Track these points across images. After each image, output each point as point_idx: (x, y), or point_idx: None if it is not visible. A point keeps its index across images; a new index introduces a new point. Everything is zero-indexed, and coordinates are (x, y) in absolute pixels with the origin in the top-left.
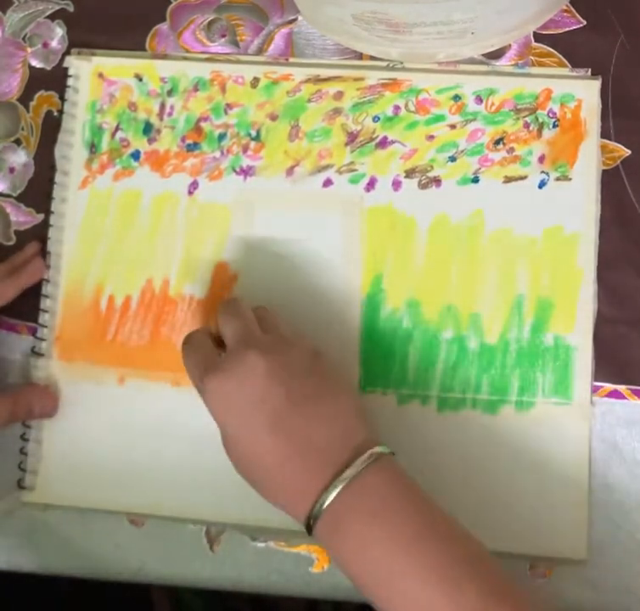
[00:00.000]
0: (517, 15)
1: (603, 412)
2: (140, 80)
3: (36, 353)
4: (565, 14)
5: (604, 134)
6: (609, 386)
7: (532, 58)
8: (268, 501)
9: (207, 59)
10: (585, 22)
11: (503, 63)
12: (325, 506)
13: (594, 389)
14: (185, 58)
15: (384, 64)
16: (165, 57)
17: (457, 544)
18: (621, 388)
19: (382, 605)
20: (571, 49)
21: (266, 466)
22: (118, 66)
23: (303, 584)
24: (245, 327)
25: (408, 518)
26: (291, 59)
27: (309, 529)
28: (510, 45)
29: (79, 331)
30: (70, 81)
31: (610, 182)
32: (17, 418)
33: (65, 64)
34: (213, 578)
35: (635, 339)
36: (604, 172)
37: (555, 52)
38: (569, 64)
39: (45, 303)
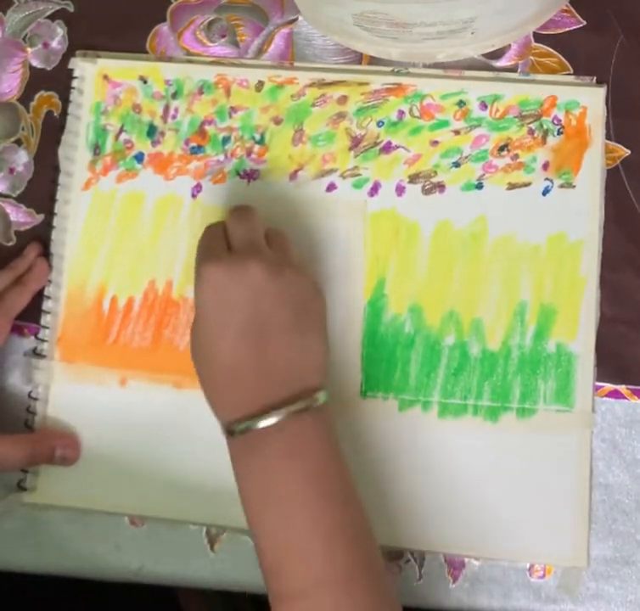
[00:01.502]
0: (517, 15)
1: (603, 411)
2: (145, 82)
3: (37, 354)
4: (565, 14)
5: (605, 135)
6: (609, 386)
7: (532, 58)
8: (204, 391)
9: (212, 62)
10: (585, 22)
11: (503, 63)
12: (253, 428)
13: (594, 391)
14: (190, 61)
15: (388, 68)
16: (170, 59)
17: (348, 512)
18: (621, 388)
19: (255, 530)
20: (571, 49)
21: (221, 362)
22: (123, 68)
23: None
24: (253, 236)
25: (318, 475)
26: (296, 63)
27: (228, 434)
28: (510, 45)
29: (81, 332)
30: (74, 83)
31: (610, 182)
32: (37, 461)
33: (70, 66)
34: (213, 578)
35: (635, 338)
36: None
37: (555, 52)
38: (569, 65)
39: (47, 304)
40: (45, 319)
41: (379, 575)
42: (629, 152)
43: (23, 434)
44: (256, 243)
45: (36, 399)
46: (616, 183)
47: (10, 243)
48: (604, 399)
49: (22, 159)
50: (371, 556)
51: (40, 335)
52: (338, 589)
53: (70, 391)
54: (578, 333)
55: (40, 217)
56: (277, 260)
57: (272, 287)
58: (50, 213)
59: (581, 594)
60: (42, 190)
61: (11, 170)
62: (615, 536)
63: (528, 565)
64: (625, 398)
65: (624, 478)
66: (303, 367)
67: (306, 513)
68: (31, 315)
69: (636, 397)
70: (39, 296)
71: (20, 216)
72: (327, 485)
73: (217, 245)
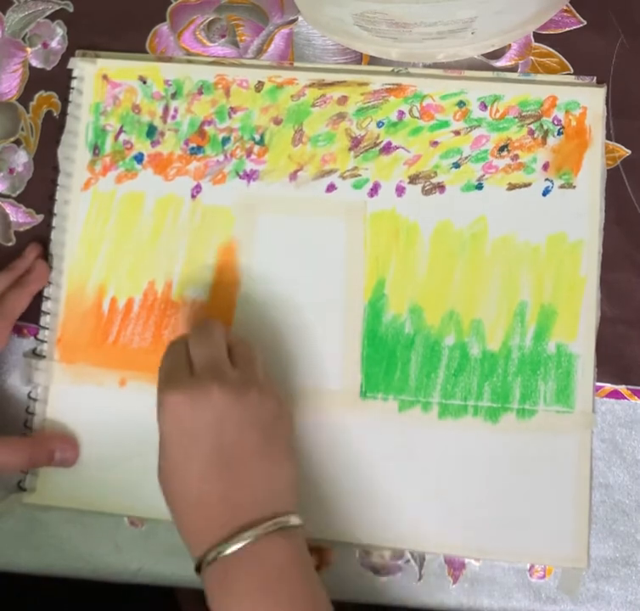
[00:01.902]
0: (517, 15)
1: (603, 412)
2: (144, 82)
3: (37, 355)
4: (565, 14)
5: (605, 136)
6: (609, 386)
7: (532, 58)
8: (175, 524)
9: (212, 63)
10: (585, 22)
11: (503, 63)
12: (219, 556)
13: (594, 390)
14: (189, 62)
15: (388, 69)
16: (169, 60)
17: None
18: (621, 388)
19: None
20: (571, 49)
21: (188, 495)
22: (122, 68)
23: None
24: (214, 357)
25: (294, 602)
26: (295, 63)
27: (198, 569)
28: (510, 45)
29: (81, 333)
30: (74, 83)
31: (611, 182)
32: (36, 464)
33: (70, 66)
34: None
35: (635, 338)
36: None
37: (555, 52)
38: (569, 65)
39: (47, 305)
40: (44, 320)
41: None
42: (629, 152)
43: (21, 437)
44: (218, 364)
45: (35, 399)
46: (616, 183)
47: (10, 244)
48: (604, 399)
49: (22, 159)
50: None
51: (39, 336)
52: None
53: (69, 392)
54: (578, 333)
55: (39, 217)
56: (241, 380)
57: (236, 411)
58: (50, 213)
59: (581, 594)
60: (41, 190)
61: (11, 171)
62: (616, 537)
63: (528, 566)
64: (625, 398)
65: (624, 478)
66: (273, 493)
67: None
68: (31, 315)
69: (636, 397)
70: (39, 297)
71: (20, 217)
72: None
73: (178, 369)
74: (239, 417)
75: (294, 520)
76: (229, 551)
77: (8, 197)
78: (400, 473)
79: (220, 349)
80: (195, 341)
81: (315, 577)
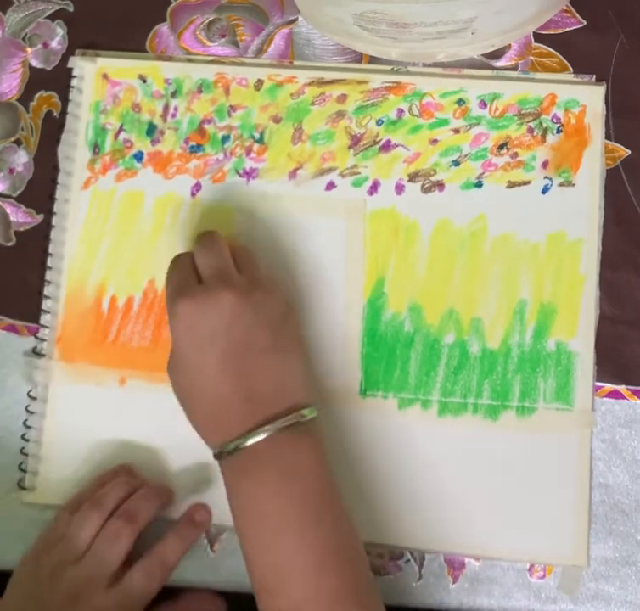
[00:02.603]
0: (517, 15)
1: (603, 412)
2: (144, 81)
3: (37, 353)
4: (565, 14)
5: (604, 134)
6: (609, 386)
7: (532, 58)
8: (192, 425)
9: (211, 61)
10: (585, 22)
11: (503, 63)
12: (240, 447)
13: (594, 390)
14: (189, 60)
15: (388, 67)
16: (169, 58)
17: (339, 534)
18: (621, 388)
19: (247, 548)
20: (571, 49)
21: (205, 396)
22: (122, 67)
23: None
24: (220, 264)
25: (309, 497)
26: (295, 62)
27: (217, 457)
28: (510, 45)
29: (80, 332)
30: (74, 82)
31: (610, 182)
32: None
33: (69, 65)
34: (213, 578)
35: (635, 338)
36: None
37: (555, 52)
38: (569, 65)
39: (46, 303)
40: (44, 318)
41: (369, 594)
42: (629, 152)
43: (178, 525)
44: (224, 270)
45: (35, 398)
46: (616, 183)
47: (10, 244)
48: (604, 399)
49: (22, 159)
50: (361, 575)
51: (39, 335)
52: (331, 604)
53: (69, 391)
54: (578, 331)
55: (40, 217)
56: (246, 283)
57: (245, 312)
58: (50, 213)
59: (580, 594)
60: (41, 190)
61: (11, 171)
62: (615, 536)
63: (528, 565)
64: (625, 398)
65: (624, 478)
66: (287, 386)
67: (297, 535)
68: (31, 314)
69: (636, 397)
70: (38, 295)
71: (20, 216)
72: (318, 507)
73: (187, 278)
74: (248, 317)
75: (310, 412)
76: (249, 442)
77: (8, 197)
78: (399, 470)
79: (224, 257)
80: (200, 252)
81: (330, 472)
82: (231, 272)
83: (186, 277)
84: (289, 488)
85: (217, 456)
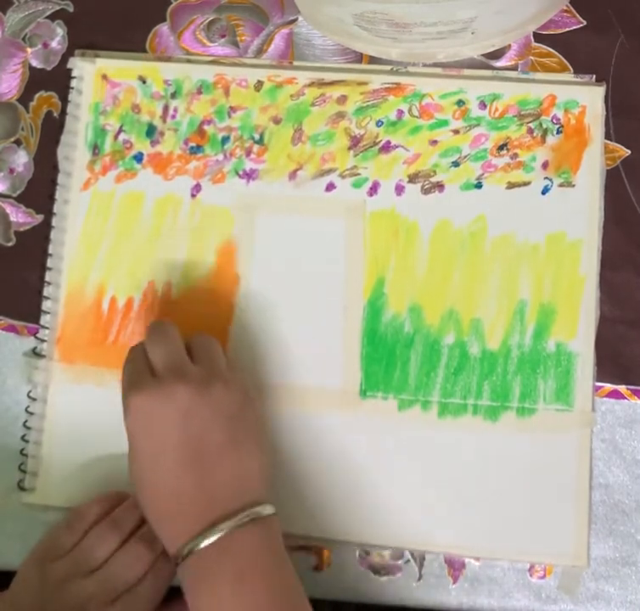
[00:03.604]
0: (517, 15)
1: (603, 412)
2: (144, 82)
3: (37, 354)
4: (565, 14)
5: (604, 134)
6: (608, 386)
7: (532, 58)
8: (150, 522)
9: (211, 62)
10: (585, 22)
11: (503, 63)
12: (194, 550)
13: (594, 391)
14: (189, 61)
15: (388, 68)
16: (169, 59)
17: None
18: (621, 388)
19: None
20: (571, 49)
21: (160, 493)
22: (122, 68)
23: (303, 584)
24: (173, 356)
25: (268, 598)
26: (295, 63)
27: (176, 561)
28: (510, 45)
29: (80, 332)
30: (73, 83)
31: (610, 182)
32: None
33: (69, 65)
34: None
35: (635, 338)
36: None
37: (555, 52)
38: (569, 65)
39: (46, 304)
40: (44, 319)
41: None
42: (629, 152)
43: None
44: (178, 362)
45: (34, 399)
46: (616, 183)
47: (10, 244)
48: (604, 399)
49: (22, 159)
50: None
51: (39, 335)
52: None
53: (69, 391)
54: (578, 332)
55: (40, 217)
56: (203, 375)
57: (200, 407)
58: (50, 213)
59: (581, 594)
60: (41, 190)
61: (11, 171)
62: (615, 536)
63: (528, 566)
64: (625, 398)
65: (624, 478)
66: (243, 483)
67: None
68: (31, 315)
69: (636, 397)
70: (38, 296)
71: (20, 217)
72: (276, 605)
73: (140, 372)
74: (204, 411)
75: (267, 510)
76: (203, 545)
77: (8, 197)
78: (399, 471)
79: (177, 347)
80: (151, 343)
81: (289, 566)
82: (184, 364)
83: (139, 369)
84: (245, 592)
85: (175, 560)
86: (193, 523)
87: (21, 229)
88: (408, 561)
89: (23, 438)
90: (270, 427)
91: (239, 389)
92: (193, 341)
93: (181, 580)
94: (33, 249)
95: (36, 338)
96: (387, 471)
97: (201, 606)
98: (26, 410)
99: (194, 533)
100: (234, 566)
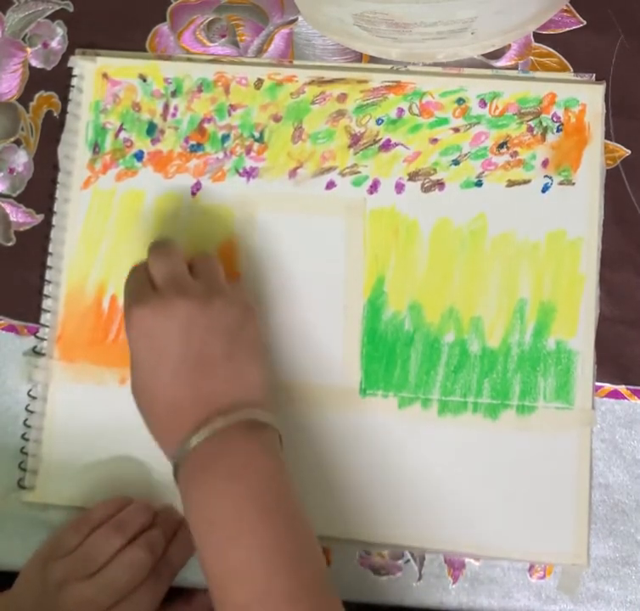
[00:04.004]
0: (517, 15)
1: (603, 412)
2: (144, 80)
3: (37, 353)
4: (565, 14)
5: (604, 134)
6: (608, 386)
7: (532, 58)
8: (149, 431)
9: (211, 60)
10: (585, 22)
11: (503, 63)
12: (189, 448)
13: (594, 390)
14: (189, 60)
15: (388, 66)
16: (169, 58)
17: (291, 535)
18: (621, 388)
19: (201, 555)
20: (571, 49)
21: (160, 401)
22: (122, 67)
23: None
24: (174, 271)
25: (260, 496)
26: (295, 61)
27: (174, 469)
28: (510, 45)
29: (80, 331)
30: (74, 81)
31: (610, 182)
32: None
33: (69, 64)
34: None
35: (635, 338)
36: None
37: (555, 52)
38: (569, 65)
39: (47, 303)
40: (44, 317)
41: (321, 594)
42: (629, 152)
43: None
44: (179, 278)
45: (34, 398)
46: (616, 183)
47: (10, 244)
48: (604, 399)
49: (21, 159)
50: (315, 572)
51: (39, 334)
52: (280, 605)
53: (69, 390)
54: (578, 330)
55: (40, 217)
56: (204, 291)
57: (200, 320)
58: (50, 213)
59: (580, 594)
60: (41, 190)
61: (11, 171)
62: (615, 536)
63: (528, 566)
64: (625, 398)
65: (624, 478)
66: (240, 391)
67: (249, 534)
68: (30, 314)
69: (636, 397)
70: (38, 295)
71: (20, 217)
72: (270, 505)
73: (142, 287)
74: (204, 324)
75: (265, 416)
76: (196, 441)
77: (8, 197)
78: (399, 469)
79: (179, 263)
80: (154, 260)
81: (283, 472)
82: (185, 279)
83: (140, 285)
84: (238, 488)
85: (174, 467)
86: (188, 423)
87: (21, 229)
88: (408, 561)
89: (23, 436)
90: (270, 342)
91: (239, 303)
92: (195, 259)
93: (179, 487)
94: (33, 249)
95: (37, 337)
96: (387, 469)
97: (193, 508)
98: (26, 408)
99: (189, 432)
100: (229, 466)
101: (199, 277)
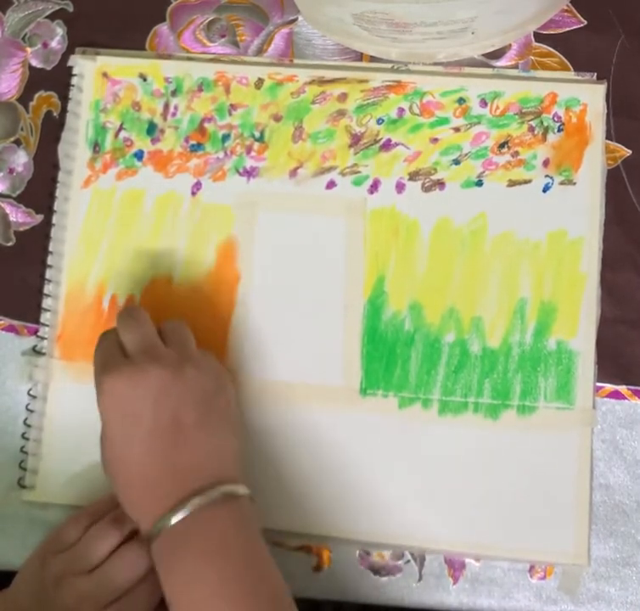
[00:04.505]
0: (517, 15)
1: (603, 412)
2: (144, 80)
3: (37, 352)
4: (566, 13)
5: (605, 134)
6: (609, 386)
7: (533, 58)
8: (121, 503)
9: (211, 60)
10: (585, 22)
11: (504, 63)
12: (164, 527)
13: (595, 390)
14: (189, 59)
15: (388, 65)
16: (169, 57)
17: (273, 607)
18: (621, 388)
19: None
20: (572, 49)
21: (131, 472)
22: (122, 66)
23: (303, 584)
24: (145, 337)
25: (236, 576)
26: (295, 61)
27: (148, 540)
28: (510, 45)
29: (81, 330)
30: (74, 80)
31: (611, 182)
32: None
33: (70, 63)
34: None
35: (635, 339)
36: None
37: (556, 52)
38: (569, 65)
39: (47, 302)
40: (45, 317)
41: None
42: (630, 152)
43: None
44: (151, 345)
45: (34, 397)
46: (617, 183)
47: (10, 244)
48: (605, 400)
49: (21, 159)
50: None
51: (40, 333)
52: None
53: (69, 389)
54: (578, 330)
55: (39, 217)
56: (176, 359)
57: (174, 388)
58: (50, 213)
59: (581, 595)
60: (41, 190)
61: (11, 171)
62: (616, 537)
63: (528, 566)
64: (625, 399)
65: (624, 479)
66: (215, 462)
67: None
68: (30, 315)
69: (636, 398)
70: (38, 294)
71: (20, 217)
72: (248, 585)
73: (113, 354)
74: (177, 392)
75: (240, 490)
76: (174, 521)
77: (8, 197)
78: (400, 470)
79: (149, 330)
80: (123, 327)
81: (261, 546)
82: (157, 347)
83: (111, 352)
84: (214, 568)
85: (147, 539)
86: (164, 500)
87: (21, 229)
88: (408, 561)
89: (23, 435)
90: (244, 413)
91: (212, 371)
92: (164, 326)
93: (155, 561)
94: (33, 249)
95: (37, 336)
96: (387, 469)
97: (170, 583)
98: (27, 407)
99: (165, 510)
100: (204, 543)
101: (171, 344)
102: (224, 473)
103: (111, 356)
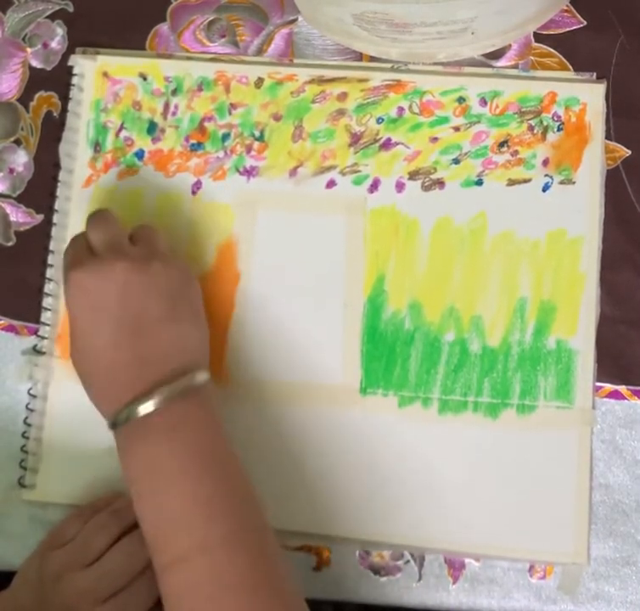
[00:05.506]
0: (517, 15)
1: (603, 412)
2: (145, 79)
3: (37, 351)
4: (566, 14)
5: (605, 134)
6: (609, 386)
7: (533, 58)
8: (86, 393)
9: (211, 59)
10: (585, 22)
11: (504, 63)
12: (130, 416)
13: (595, 390)
14: (189, 58)
15: (388, 65)
16: (169, 56)
17: (229, 485)
18: (621, 388)
19: (140, 510)
20: (572, 49)
21: (98, 361)
22: (123, 65)
23: (303, 584)
24: (112, 237)
25: (198, 449)
26: (295, 60)
27: (112, 427)
28: (510, 45)
29: None
30: (74, 80)
31: (611, 182)
32: None
33: (70, 63)
34: None
35: (635, 338)
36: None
37: (555, 52)
38: (569, 65)
39: (47, 301)
40: (45, 316)
41: (259, 540)
42: (629, 152)
43: None
44: (118, 243)
45: (35, 396)
46: (617, 183)
47: (10, 244)
48: (605, 400)
49: (21, 159)
50: (253, 523)
51: (40, 332)
52: (217, 552)
53: (69, 388)
54: (578, 329)
55: (40, 217)
56: (142, 254)
57: (139, 281)
58: (50, 212)
59: (581, 595)
60: (41, 190)
61: (11, 171)
62: (616, 537)
63: (528, 566)
64: (625, 399)
65: (624, 478)
66: (180, 353)
67: (187, 483)
68: (30, 315)
69: (636, 398)
70: (39, 293)
71: (20, 217)
72: (207, 458)
73: (80, 252)
74: (143, 286)
75: (201, 376)
76: (139, 411)
77: (8, 197)
78: (399, 468)
79: (117, 230)
80: (92, 227)
81: (220, 431)
82: (123, 244)
83: (79, 250)
84: (176, 441)
85: (111, 426)
86: (130, 390)
87: (21, 229)
88: (408, 561)
89: (23, 435)
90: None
91: (179, 268)
92: (135, 229)
93: (117, 443)
94: (33, 249)
95: (37, 335)
96: (387, 468)
97: (133, 466)
98: (27, 407)
99: (130, 398)
100: (168, 423)
101: (138, 242)
102: (189, 362)
103: (78, 254)
